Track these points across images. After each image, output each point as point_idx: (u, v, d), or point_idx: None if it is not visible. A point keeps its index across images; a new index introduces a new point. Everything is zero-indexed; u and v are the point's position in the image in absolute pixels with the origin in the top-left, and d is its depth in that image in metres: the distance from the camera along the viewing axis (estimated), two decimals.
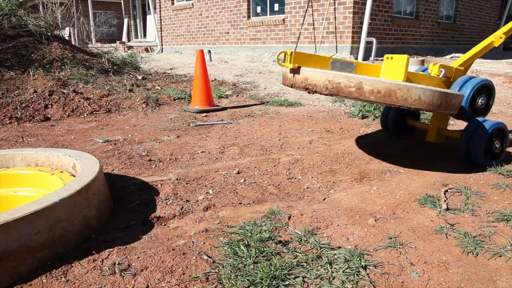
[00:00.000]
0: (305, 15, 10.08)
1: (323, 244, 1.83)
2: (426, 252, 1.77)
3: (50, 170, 2.43)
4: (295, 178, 2.74)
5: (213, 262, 1.70)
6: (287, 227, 2.01)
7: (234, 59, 10.83)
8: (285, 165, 2.99)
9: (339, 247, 1.80)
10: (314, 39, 10.05)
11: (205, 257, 1.73)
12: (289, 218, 2.11)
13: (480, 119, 2.79)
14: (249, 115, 4.84)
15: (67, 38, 9.22)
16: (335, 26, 9.56)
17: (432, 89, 2.32)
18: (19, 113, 4.63)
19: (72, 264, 1.70)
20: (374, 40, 8.77)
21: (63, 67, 6.30)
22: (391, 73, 2.81)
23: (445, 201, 2.27)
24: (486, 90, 2.93)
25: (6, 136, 3.98)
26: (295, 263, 1.67)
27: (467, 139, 2.77)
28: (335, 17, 9.54)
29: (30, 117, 4.62)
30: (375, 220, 2.08)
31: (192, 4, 14.11)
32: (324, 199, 2.42)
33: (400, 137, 3.68)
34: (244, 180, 2.69)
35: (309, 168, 2.92)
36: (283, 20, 10.74)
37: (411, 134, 3.75)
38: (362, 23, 9.21)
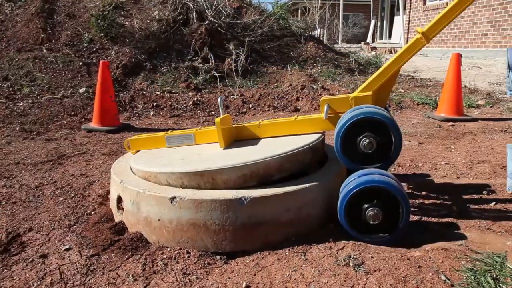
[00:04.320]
0: None
1: None
2: None
3: None
4: None
5: (452, 285, 1.57)
6: None
7: (489, 65, 9.53)
8: None
9: None
10: None
11: (443, 277, 1.61)
12: None
13: (361, 171, 1.97)
14: (505, 131, 4.20)
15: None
16: None
17: None
18: (276, 103, 5.35)
19: (311, 246, 1.86)
20: None
21: (314, 64, 6.90)
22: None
23: None
24: (374, 127, 1.97)
25: None
26: None
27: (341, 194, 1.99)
28: None
29: (283, 107, 5.28)
30: None
31: (447, 3, 13.06)
32: None
33: None
34: (495, 204, 2.37)
35: None
36: None
37: None
38: None
